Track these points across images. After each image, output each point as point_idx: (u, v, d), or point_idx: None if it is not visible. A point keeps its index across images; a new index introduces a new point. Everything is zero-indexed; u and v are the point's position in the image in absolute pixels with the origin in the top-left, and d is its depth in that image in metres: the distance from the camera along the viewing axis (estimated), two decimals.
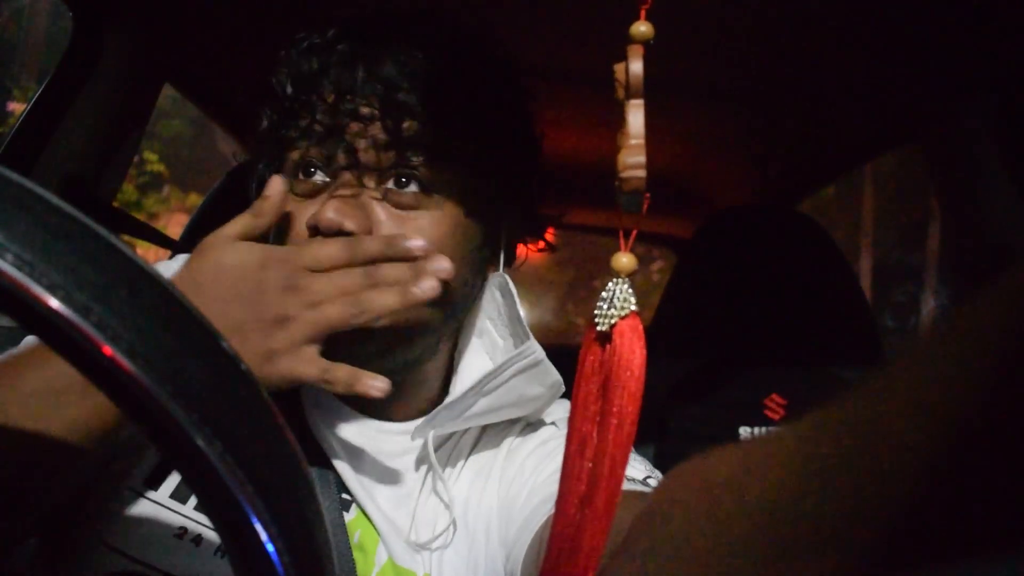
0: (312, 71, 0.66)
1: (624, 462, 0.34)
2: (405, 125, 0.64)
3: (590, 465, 0.34)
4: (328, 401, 0.71)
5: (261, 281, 0.58)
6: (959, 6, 0.93)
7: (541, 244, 0.81)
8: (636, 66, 0.34)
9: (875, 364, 1.16)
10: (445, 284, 0.63)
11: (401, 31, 0.68)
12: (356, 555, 0.66)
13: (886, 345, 1.28)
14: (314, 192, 0.66)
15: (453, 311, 0.70)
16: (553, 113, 0.75)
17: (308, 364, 0.58)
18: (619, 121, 0.35)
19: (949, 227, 1.36)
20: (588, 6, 0.97)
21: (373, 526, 0.67)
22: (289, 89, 0.66)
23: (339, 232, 0.62)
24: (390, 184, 0.65)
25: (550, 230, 0.83)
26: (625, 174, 0.33)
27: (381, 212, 0.65)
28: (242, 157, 1.46)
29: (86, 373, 0.24)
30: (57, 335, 0.23)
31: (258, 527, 0.26)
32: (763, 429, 1.08)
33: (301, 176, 0.66)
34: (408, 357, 0.69)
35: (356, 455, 0.70)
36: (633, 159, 0.33)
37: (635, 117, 0.34)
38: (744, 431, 1.09)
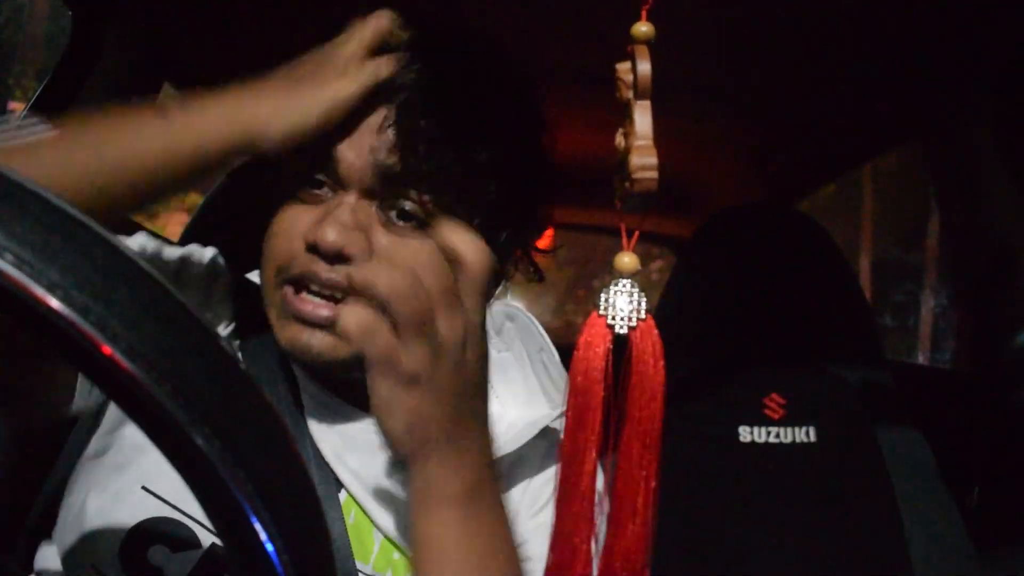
0: None
1: (655, 463, 0.33)
2: (430, 153, 0.61)
3: (610, 467, 0.34)
4: (328, 399, 0.71)
5: None
6: (959, 6, 0.93)
7: (540, 245, 0.80)
8: (644, 67, 0.34)
9: (875, 363, 1.16)
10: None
11: (428, 51, 0.65)
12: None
13: (886, 344, 1.28)
14: (317, 200, 0.65)
15: None
16: (551, 113, 0.74)
17: None
18: (621, 120, 0.35)
19: (949, 227, 1.35)
20: (589, 5, 0.97)
21: (371, 522, 0.67)
22: None
23: (338, 255, 0.61)
24: (392, 213, 0.63)
25: (550, 234, 0.81)
26: (637, 175, 0.33)
27: (382, 237, 0.63)
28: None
29: (86, 372, 0.24)
30: (57, 335, 0.23)
31: (257, 526, 0.26)
32: (763, 429, 1.08)
33: (307, 187, 0.65)
34: None
35: (357, 453, 0.70)
36: (644, 160, 0.33)
37: (642, 117, 0.34)
38: (744, 431, 1.08)
